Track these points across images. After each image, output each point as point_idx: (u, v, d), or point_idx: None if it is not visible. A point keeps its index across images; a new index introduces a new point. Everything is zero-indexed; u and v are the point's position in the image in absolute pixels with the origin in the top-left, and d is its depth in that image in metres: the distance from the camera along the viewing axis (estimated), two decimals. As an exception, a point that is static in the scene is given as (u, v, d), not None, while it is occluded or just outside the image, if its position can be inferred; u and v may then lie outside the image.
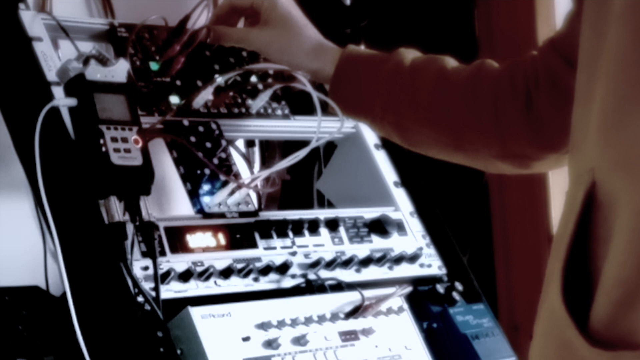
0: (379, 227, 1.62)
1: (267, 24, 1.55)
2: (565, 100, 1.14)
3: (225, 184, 1.50)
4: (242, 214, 1.51)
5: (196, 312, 1.33)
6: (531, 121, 1.42)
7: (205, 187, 1.50)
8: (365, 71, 1.51)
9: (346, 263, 1.54)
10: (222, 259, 1.44)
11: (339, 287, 1.52)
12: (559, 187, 2.33)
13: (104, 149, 1.35)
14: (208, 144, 1.54)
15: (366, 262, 1.56)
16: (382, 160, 1.72)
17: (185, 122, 1.54)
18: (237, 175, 1.54)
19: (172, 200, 1.62)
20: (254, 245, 1.48)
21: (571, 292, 1.01)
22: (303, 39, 1.55)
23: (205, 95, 1.56)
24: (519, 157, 1.46)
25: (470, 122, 1.45)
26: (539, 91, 1.41)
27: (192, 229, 1.44)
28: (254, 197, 1.60)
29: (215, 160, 1.53)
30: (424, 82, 1.48)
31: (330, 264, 1.53)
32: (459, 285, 1.62)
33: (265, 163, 1.92)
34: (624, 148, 0.99)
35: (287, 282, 1.49)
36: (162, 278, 1.36)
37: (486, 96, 1.44)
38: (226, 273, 1.43)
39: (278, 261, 1.48)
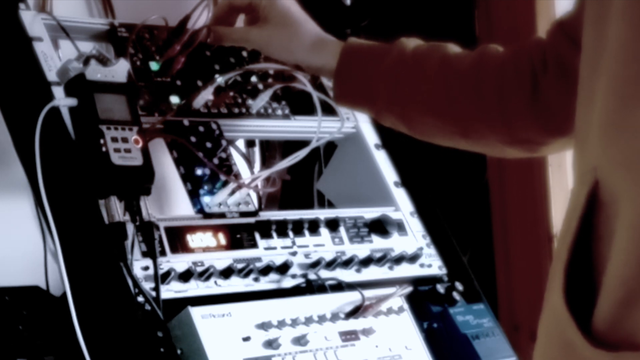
0: (379, 227, 1.62)
1: (267, 22, 1.55)
2: (573, 84, 1.13)
3: (225, 184, 1.50)
4: (243, 214, 1.51)
5: (196, 312, 1.33)
6: (537, 106, 1.41)
7: (206, 187, 1.50)
8: (367, 63, 1.50)
9: (346, 263, 1.54)
10: (223, 259, 1.44)
11: (339, 287, 1.51)
12: (560, 186, 2.33)
13: (104, 149, 1.35)
14: (208, 144, 1.54)
15: (366, 262, 1.56)
16: (382, 160, 1.72)
17: (186, 122, 1.54)
18: (237, 175, 1.54)
19: (172, 200, 1.61)
20: (254, 245, 1.48)
21: (575, 292, 1.01)
22: (303, 34, 1.54)
23: (206, 95, 1.56)
24: (526, 143, 1.45)
25: (475, 110, 1.45)
26: (546, 75, 1.40)
27: (193, 229, 1.44)
28: (254, 197, 1.60)
29: (216, 160, 1.53)
30: (426, 71, 1.47)
31: (331, 264, 1.52)
32: (459, 285, 1.62)
33: (266, 163, 1.92)
34: (625, 147, 0.98)
35: (288, 282, 1.48)
36: (162, 278, 1.36)
37: (490, 83, 1.44)
38: (226, 273, 1.43)
39: (278, 261, 1.48)
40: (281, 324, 1.39)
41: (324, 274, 1.52)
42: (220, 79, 1.58)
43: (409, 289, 1.54)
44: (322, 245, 1.55)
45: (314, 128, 1.54)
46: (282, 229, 1.51)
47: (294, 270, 1.49)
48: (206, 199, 1.48)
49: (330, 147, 1.78)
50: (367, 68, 1.50)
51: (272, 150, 1.93)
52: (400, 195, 1.70)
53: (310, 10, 1.59)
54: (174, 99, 1.55)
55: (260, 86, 1.65)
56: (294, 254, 1.51)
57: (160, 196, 1.59)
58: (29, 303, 1.53)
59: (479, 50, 1.47)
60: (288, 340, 1.39)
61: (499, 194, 2.42)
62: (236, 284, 1.44)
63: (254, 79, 1.65)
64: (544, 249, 2.32)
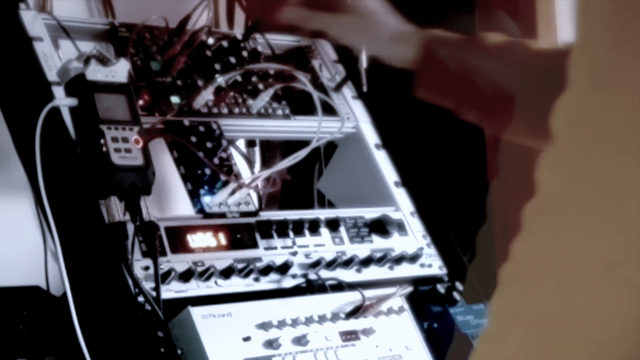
0: (380, 227, 1.62)
1: (347, 11, 1.56)
2: None
3: (225, 184, 1.50)
4: (243, 214, 1.51)
5: (197, 312, 1.33)
6: None
7: (206, 187, 1.50)
8: (447, 56, 1.50)
9: (347, 263, 1.54)
10: (223, 259, 1.44)
11: (340, 287, 1.51)
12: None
13: (104, 148, 1.35)
14: (209, 144, 1.54)
15: (367, 262, 1.56)
16: (383, 160, 1.72)
17: (186, 122, 1.54)
18: (237, 175, 1.54)
19: (172, 200, 1.61)
20: (254, 245, 1.48)
21: None
22: (382, 26, 1.55)
23: (206, 95, 1.56)
24: None
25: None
26: None
27: (193, 229, 1.44)
28: (254, 197, 1.60)
29: (216, 160, 1.52)
30: (508, 66, 1.47)
31: (331, 264, 1.52)
32: (459, 285, 1.62)
33: (266, 163, 1.91)
34: None
35: (288, 282, 1.48)
36: (162, 278, 1.36)
37: None
38: (227, 273, 1.43)
39: (279, 261, 1.48)
40: (281, 324, 1.39)
41: (324, 274, 1.52)
42: (220, 79, 1.58)
43: (409, 289, 1.54)
44: (323, 245, 1.55)
45: (314, 128, 1.54)
46: (282, 229, 1.51)
47: (294, 270, 1.49)
48: (206, 199, 1.48)
49: (331, 147, 1.78)
50: (448, 60, 1.50)
51: (272, 150, 1.93)
52: (401, 195, 1.70)
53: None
54: (175, 99, 1.55)
55: (261, 86, 1.65)
56: (294, 254, 1.51)
57: (160, 196, 1.59)
58: (29, 303, 1.53)
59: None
60: (288, 340, 1.39)
61: (500, 193, 2.42)
62: (236, 284, 1.44)
63: (254, 79, 1.65)
64: (544, 249, 2.32)
